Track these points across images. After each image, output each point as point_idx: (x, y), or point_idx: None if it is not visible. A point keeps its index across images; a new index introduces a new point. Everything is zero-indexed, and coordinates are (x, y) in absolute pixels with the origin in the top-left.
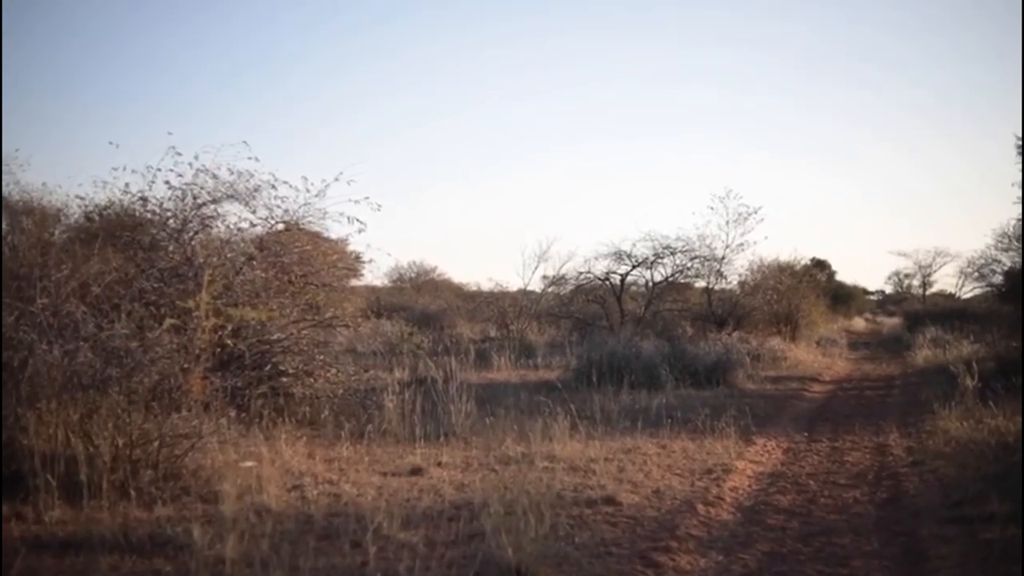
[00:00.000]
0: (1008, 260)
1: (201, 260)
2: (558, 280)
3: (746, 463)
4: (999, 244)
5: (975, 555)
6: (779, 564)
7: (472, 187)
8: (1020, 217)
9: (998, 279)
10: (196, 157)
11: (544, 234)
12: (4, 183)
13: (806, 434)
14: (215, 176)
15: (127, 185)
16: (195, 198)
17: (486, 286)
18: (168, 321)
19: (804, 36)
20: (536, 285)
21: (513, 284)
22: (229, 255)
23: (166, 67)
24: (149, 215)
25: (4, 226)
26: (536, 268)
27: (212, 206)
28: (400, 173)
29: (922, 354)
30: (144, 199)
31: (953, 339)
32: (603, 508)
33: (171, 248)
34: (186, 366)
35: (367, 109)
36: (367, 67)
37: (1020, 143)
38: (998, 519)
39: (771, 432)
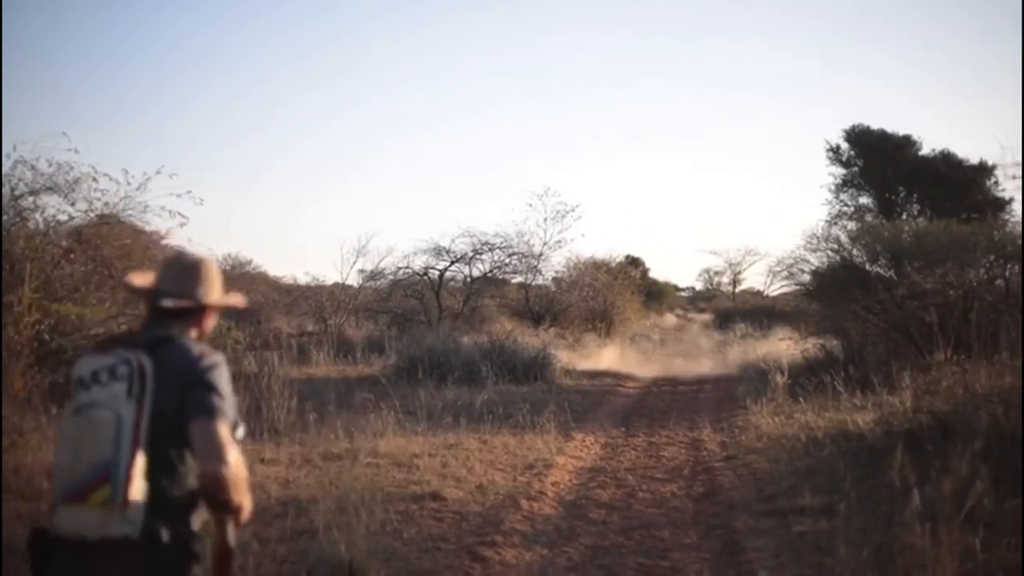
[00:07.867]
0: (816, 260)
1: (19, 253)
2: (376, 274)
3: (566, 458)
4: (808, 245)
5: (789, 547)
6: (602, 557)
7: (291, 181)
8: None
9: (806, 278)
10: (14, 148)
11: (363, 229)
12: None
13: (623, 429)
14: (33, 168)
15: None
16: (12, 190)
17: (303, 280)
18: None
19: (621, 26)
20: (354, 279)
21: (330, 278)
22: (47, 247)
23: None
24: None
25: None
26: (355, 262)
27: (30, 198)
28: (220, 167)
29: (734, 351)
30: None
31: (762, 336)
32: (429, 504)
33: None
34: (6, 362)
35: (193, 107)
36: (197, 62)
37: (828, 147)
38: (809, 512)
39: (589, 427)
